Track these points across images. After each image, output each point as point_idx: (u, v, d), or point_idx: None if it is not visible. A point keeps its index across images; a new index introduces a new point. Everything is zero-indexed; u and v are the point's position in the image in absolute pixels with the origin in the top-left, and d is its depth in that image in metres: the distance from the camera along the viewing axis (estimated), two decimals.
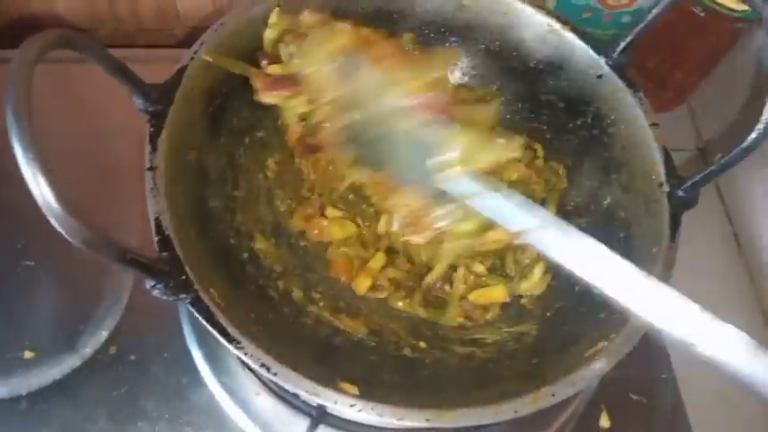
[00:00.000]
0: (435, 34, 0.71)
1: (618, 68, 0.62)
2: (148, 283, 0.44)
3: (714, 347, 0.41)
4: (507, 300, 0.61)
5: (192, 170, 0.56)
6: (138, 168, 0.71)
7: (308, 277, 0.61)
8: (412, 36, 0.68)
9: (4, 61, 0.78)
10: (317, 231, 0.64)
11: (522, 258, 0.63)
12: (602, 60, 0.63)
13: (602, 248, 0.46)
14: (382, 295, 0.62)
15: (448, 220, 0.53)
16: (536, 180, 0.67)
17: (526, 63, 0.68)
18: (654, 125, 0.59)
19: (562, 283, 0.60)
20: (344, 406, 0.44)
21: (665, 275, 0.51)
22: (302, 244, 0.64)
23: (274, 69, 0.59)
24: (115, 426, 0.60)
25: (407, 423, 0.44)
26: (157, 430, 0.60)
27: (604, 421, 0.64)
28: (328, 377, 0.45)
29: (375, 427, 0.58)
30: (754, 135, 0.49)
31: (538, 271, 0.61)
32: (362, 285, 0.61)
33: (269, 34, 0.61)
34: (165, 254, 0.47)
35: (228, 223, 0.58)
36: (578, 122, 0.66)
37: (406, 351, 0.56)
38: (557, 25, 0.65)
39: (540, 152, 0.69)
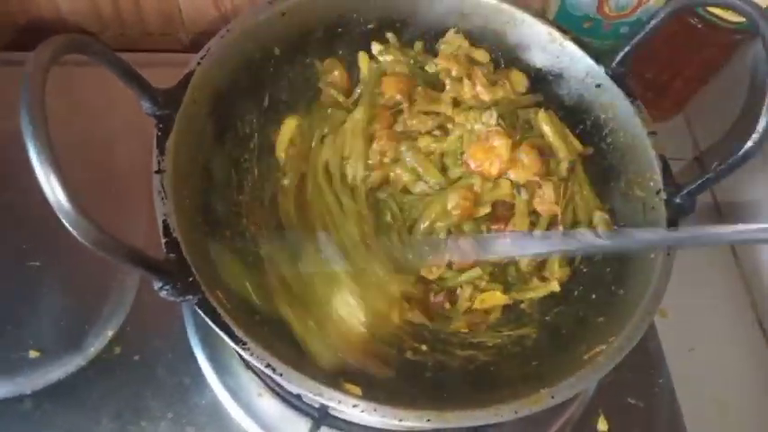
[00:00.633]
0: (437, 43, 0.72)
1: (616, 78, 0.63)
2: (156, 285, 0.45)
3: None
4: (509, 302, 0.62)
5: (198, 173, 0.57)
6: (142, 171, 0.72)
7: None
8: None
9: (10, 64, 0.81)
10: None
11: (522, 266, 0.63)
12: (601, 70, 0.64)
13: None
14: None
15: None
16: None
17: (526, 71, 0.70)
18: (652, 133, 0.60)
19: (561, 288, 0.61)
20: (347, 406, 0.45)
21: (663, 283, 0.52)
22: None
23: None
24: (119, 426, 0.60)
25: (408, 424, 0.44)
26: (161, 430, 0.60)
27: (602, 425, 0.65)
28: (332, 378, 0.46)
29: (376, 429, 0.59)
30: (750, 144, 0.50)
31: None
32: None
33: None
34: (172, 255, 0.47)
35: (234, 227, 0.59)
36: (577, 131, 0.67)
37: (409, 354, 0.56)
38: (557, 34, 0.66)
39: None
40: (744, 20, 0.75)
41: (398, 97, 0.65)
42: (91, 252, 0.39)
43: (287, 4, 0.63)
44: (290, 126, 0.67)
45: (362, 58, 0.70)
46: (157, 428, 0.60)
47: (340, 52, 0.70)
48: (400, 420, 0.44)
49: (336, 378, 0.46)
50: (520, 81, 0.69)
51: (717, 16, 0.77)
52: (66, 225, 0.37)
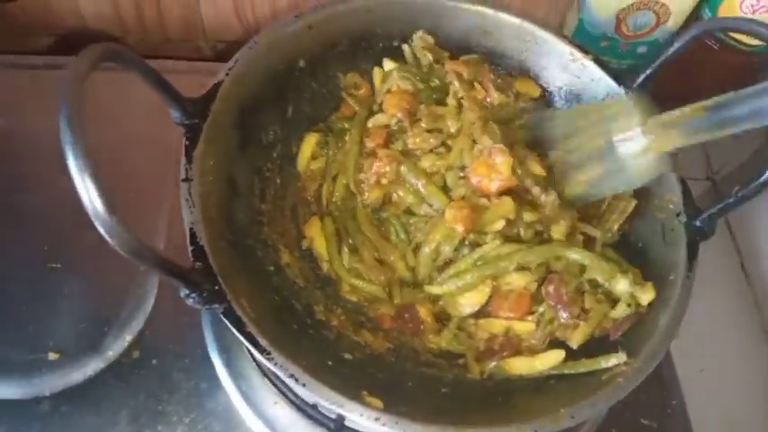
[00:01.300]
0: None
1: None
2: (183, 293, 0.45)
3: None
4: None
5: (223, 182, 0.58)
6: (160, 178, 0.73)
7: (328, 291, 0.62)
8: None
9: (38, 68, 0.82)
10: None
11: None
12: (621, 90, 0.65)
13: None
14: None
15: None
16: None
17: (547, 90, 0.70)
18: (672, 155, 0.60)
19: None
20: (369, 419, 0.45)
21: (683, 305, 0.53)
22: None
23: None
24: (136, 429, 0.61)
25: None
26: None
27: None
28: (353, 390, 0.47)
29: None
30: None
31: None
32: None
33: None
34: (198, 264, 0.48)
35: (256, 235, 0.59)
36: None
37: (425, 368, 0.57)
38: (578, 54, 0.67)
39: None
40: (760, 43, 0.76)
41: (399, 115, 0.64)
42: (112, 256, 0.39)
43: (314, 18, 0.64)
44: (310, 142, 0.68)
45: (377, 73, 0.71)
46: None
47: (363, 66, 0.71)
48: None
49: (358, 390, 0.47)
50: (531, 88, 0.70)
51: (734, 39, 0.77)
52: (102, 232, 0.37)
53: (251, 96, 0.61)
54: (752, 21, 0.56)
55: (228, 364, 0.64)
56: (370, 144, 0.64)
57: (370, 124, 0.66)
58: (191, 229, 0.50)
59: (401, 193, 0.62)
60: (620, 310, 0.55)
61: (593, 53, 0.67)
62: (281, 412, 0.62)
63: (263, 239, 0.60)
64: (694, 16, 0.81)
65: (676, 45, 0.61)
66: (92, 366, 0.63)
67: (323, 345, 0.55)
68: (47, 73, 0.81)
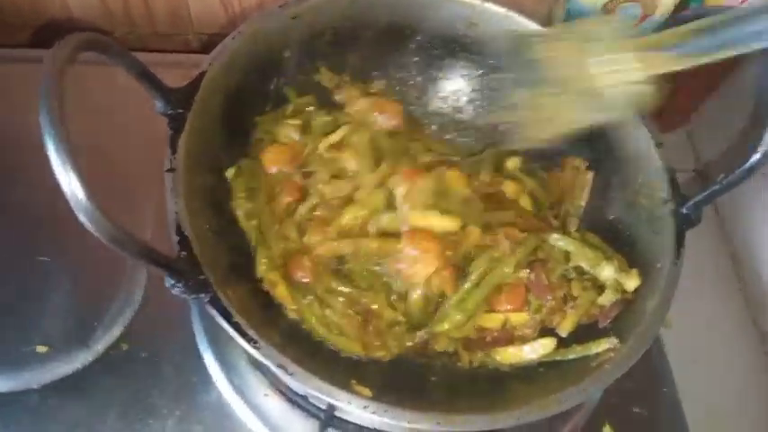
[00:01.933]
0: (444, 50, 0.73)
1: None
2: (168, 282, 0.45)
3: None
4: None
5: (209, 173, 0.57)
6: (148, 170, 0.73)
7: None
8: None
9: (21, 61, 0.81)
10: None
11: None
12: None
13: None
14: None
15: None
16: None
17: None
18: (659, 145, 0.60)
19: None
20: (358, 407, 0.45)
21: (670, 291, 0.53)
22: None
23: None
24: (125, 422, 0.60)
25: (418, 426, 0.45)
26: (167, 428, 0.60)
27: None
28: (342, 379, 0.46)
29: (383, 431, 0.60)
30: (758, 156, 0.50)
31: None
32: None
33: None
34: (183, 254, 0.48)
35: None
36: (584, 141, 0.67)
37: (415, 357, 0.57)
38: None
39: None
40: None
41: (285, 169, 0.62)
42: (100, 249, 0.39)
43: (298, 8, 0.64)
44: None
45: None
46: (164, 426, 0.60)
47: (348, 58, 0.70)
48: (410, 423, 0.45)
49: (347, 379, 0.47)
50: None
51: None
52: (82, 220, 0.37)
53: (236, 86, 0.61)
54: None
55: (218, 356, 0.64)
56: (286, 198, 0.61)
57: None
58: (176, 218, 0.49)
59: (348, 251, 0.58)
60: (607, 297, 0.55)
61: None
62: (272, 404, 0.62)
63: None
64: (681, 7, 0.81)
65: None
66: (80, 359, 0.63)
67: (311, 336, 0.55)
68: (34, 66, 0.80)
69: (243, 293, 0.50)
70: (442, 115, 0.75)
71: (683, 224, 0.56)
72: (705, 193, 0.55)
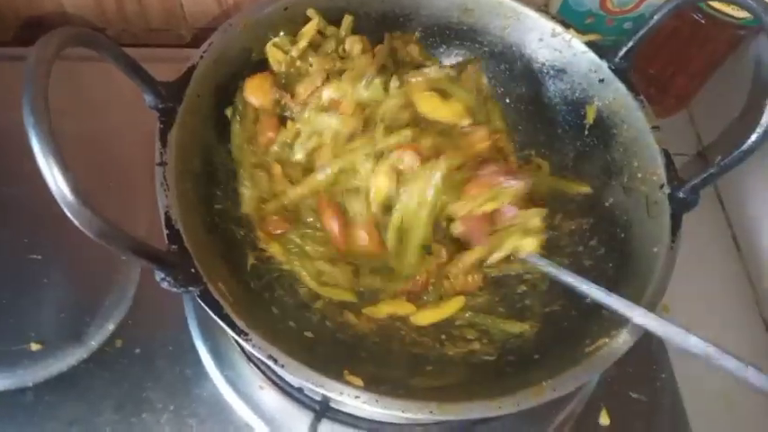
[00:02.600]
0: (440, 37, 0.72)
1: (620, 72, 0.63)
2: (158, 275, 0.45)
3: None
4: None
5: (200, 167, 0.57)
6: (142, 166, 0.73)
7: None
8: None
9: (13, 59, 0.81)
10: None
11: None
12: (604, 64, 0.64)
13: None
14: None
15: None
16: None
17: (529, 66, 0.70)
18: (655, 128, 0.60)
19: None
20: (350, 397, 0.45)
21: (666, 276, 0.52)
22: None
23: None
24: (120, 417, 0.60)
25: (411, 415, 0.44)
26: (162, 422, 0.60)
27: (604, 419, 0.65)
28: (334, 369, 0.46)
29: (378, 422, 0.59)
30: (753, 138, 0.50)
31: None
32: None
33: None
34: (174, 247, 0.48)
35: (236, 221, 0.59)
36: (581, 125, 0.67)
37: (410, 347, 0.56)
38: (560, 29, 0.66)
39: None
40: (747, 15, 0.75)
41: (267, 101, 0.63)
42: (93, 245, 0.38)
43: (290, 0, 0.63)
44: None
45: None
46: (159, 420, 0.60)
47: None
48: (403, 412, 0.44)
49: (340, 369, 0.46)
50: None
51: (720, 12, 0.76)
52: (69, 215, 0.36)
53: (227, 79, 0.61)
54: None
55: (213, 349, 0.64)
56: (262, 138, 0.62)
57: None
58: (166, 212, 0.49)
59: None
60: None
61: (574, 27, 0.66)
62: (267, 396, 0.62)
63: (243, 225, 0.59)
64: None
65: (657, 16, 0.60)
66: (74, 356, 0.63)
67: (305, 328, 0.55)
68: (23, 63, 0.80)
69: (234, 286, 0.50)
70: None
71: (680, 208, 0.56)
72: (702, 177, 0.55)
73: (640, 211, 0.59)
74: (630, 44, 0.62)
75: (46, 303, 0.65)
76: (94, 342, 0.63)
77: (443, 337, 0.57)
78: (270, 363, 0.45)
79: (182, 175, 0.52)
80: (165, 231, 0.48)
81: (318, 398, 0.59)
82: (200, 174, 0.57)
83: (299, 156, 0.61)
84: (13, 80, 0.77)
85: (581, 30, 0.66)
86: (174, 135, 0.53)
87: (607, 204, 0.63)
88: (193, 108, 0.56)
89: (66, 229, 0.38)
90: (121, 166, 0.76)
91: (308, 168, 0.61)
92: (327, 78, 0.62)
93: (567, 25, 0.66)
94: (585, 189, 0.66)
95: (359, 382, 0.46)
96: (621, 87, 0.62)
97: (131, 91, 0.53)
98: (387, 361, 0.55)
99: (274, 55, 0.64)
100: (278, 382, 0.62)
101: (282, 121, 0.63)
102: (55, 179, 0.36)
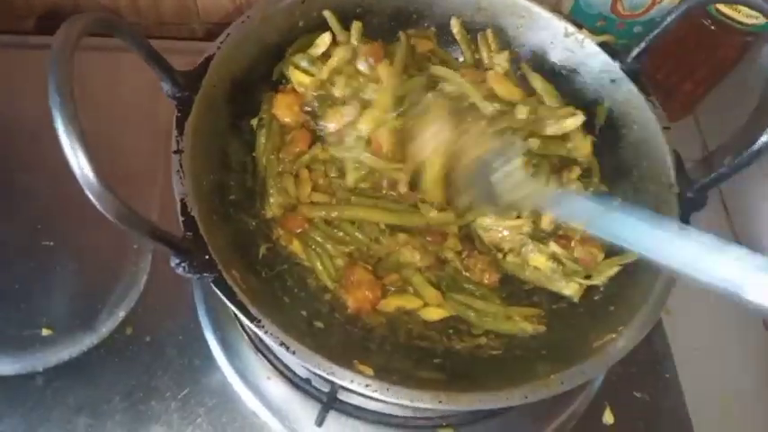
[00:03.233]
0: (451, 35, 0.73)
1: (631, 73, 0.64)
2: (173, 261, 0.45)
3: None
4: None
5: (215, 156, 0.58)
6: (153, 158, 0.73)
7: None
8: None
9: (28, 47, 0.82)
10: None
11: None
12: (616, 65, 0.64)
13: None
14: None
15: None
16: None
17: (542, 66, 0.70)
18: (665, 128, 0.60)
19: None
20: (360, 386, 0.45)
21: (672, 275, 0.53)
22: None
23: None
24: (129, 405, 0.61)
25: (420, 404, 0.45)
26: (170, 410, 0.61)
27: (608, 418, 0.65)
28: (344, 359, 0.47)
29: (383, 413, 0.60)
30: (763, 139, 0.50)
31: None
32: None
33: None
34: (189, 234, 0.48)
35: (248, 210, 0.59)
36: (592, 125, 0.67)
37: (418, 340, 0.57)
38: (573, 29, 0.67)
39: None
40: (756, 21, 0.75)
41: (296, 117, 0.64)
42: (104, 233, 0.39)
43: None
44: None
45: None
46: (167, 408, 0.61)
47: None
48: (412, 401, 0.45)
49: (349, 359, 0.47)
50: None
51: (729, 17, 0.77)
52: (91, 198, 0.37)
53: (243, 70, 0.61)
54: None
55: (222, 339, 0.64)
56: (292, 148, 0.64)
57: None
58: (182, 199, 0.50)
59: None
60: None
61: (587, 28, 0.67)
62: (275, 387, 0.63)
63: (256, 213, 0.60)
64: None
65: (669, 19, 0.60)
66: (85, 342, 0.63)
67: (315, 318, 0.55)
68: (38, 53, 0.80)
69: (245, 275, 0.50)
70: None
71: (688, 208, 0.56)
72: (711, 177, 0.55)
73: (649, 210, 0.59)
74: (643, 45, 0.63)
75: (57, 289, 0.66)
76: (105, 329, 0.64)
77: (450, 331, 0.58)
78: (282, 350, 0.45)
79: (197, 163, 0.53)
80: (181, 218, 0.49)
81: (326, 389, 0.59)
82: (215, 163, 0.57)
83: (350, 182, 0.63)
84: (26, 70, 0.78)
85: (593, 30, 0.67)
86: (191, 123, 0.53)
87: (616, 204, 0.63)
88: (210, 97, 0.56)
89: (78, 216, 0.38)
90: (129, 157, 0.76)
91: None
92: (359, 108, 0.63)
93: (579, 25, 0.67)
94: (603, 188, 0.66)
95: (369, 371, 0.46)
96: (633, 88, 0.63)
97: (141, 83, 0.54)
98: (395, 353, 0.55)
99: (297, 78, 0.65)
100: (286, 372, 0.62)
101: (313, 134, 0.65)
102: (78, 161, 0.36)
